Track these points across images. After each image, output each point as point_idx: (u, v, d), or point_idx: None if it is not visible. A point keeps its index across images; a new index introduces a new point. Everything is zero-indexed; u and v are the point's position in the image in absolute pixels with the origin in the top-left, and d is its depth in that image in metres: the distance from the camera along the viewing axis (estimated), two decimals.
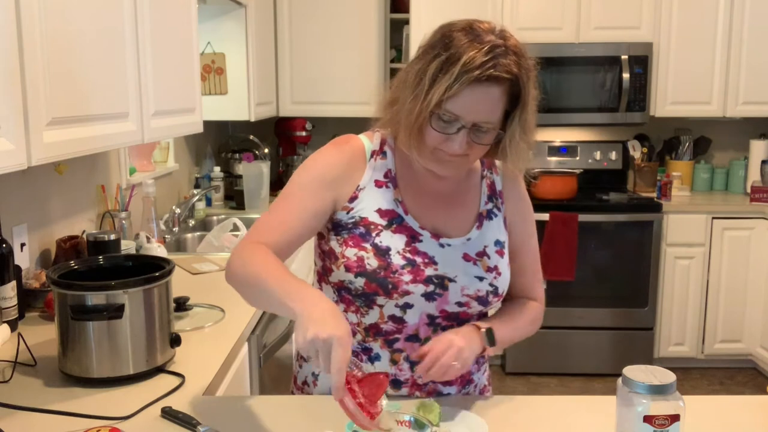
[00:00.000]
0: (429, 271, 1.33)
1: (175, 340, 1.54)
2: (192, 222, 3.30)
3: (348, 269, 1.32)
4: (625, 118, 4.05)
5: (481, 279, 1.36)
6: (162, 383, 1.45)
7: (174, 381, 1.46)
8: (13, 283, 1.77)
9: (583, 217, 3.83)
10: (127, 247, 2.28)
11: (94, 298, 1.42)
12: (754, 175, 4.17)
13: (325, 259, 1.38)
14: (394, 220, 1.35)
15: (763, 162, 4.13)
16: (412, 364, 1.36)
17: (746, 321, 3.99)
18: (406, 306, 1.33)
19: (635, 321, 3.98)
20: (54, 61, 1.44)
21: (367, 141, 1.41)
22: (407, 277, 1.31)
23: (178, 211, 3.09)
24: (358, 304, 1.35)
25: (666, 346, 4.04)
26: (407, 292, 1.32)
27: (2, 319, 1.73)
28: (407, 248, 1.33)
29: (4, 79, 1.28)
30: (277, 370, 2.32)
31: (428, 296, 1.33)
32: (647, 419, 1.03)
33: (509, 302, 1.47)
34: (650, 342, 4.00)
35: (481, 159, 1.41)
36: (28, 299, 1.92)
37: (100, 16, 1.69)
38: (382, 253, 1.32)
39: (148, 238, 2.39)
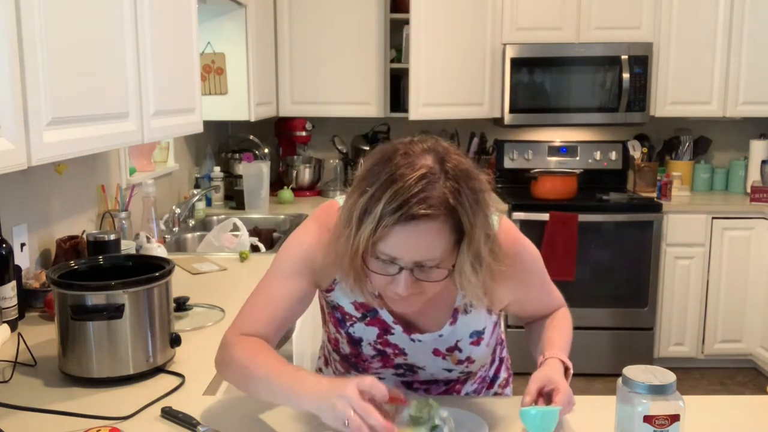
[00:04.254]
0: (398, 360, 1.37)
1: (175, 340, 1.54)
2: (192, 222, 3.30)
3: (329, 340, 1.41)
4: (625, 118, 4.05)
5: (450, 370, 1.38)
6: (162, 383, 1.45)
7: (174, 381, 1.46)
8: (13, 283, 1.77)
9: (583, 217, 3.83)
10: (127, 247, 2.28)
11: (94, 298, 1.42)
12: (754, 175, 4.17)
13: (321, 310, 1.45)
14: (369, 313, 1.33)
15: (763, 162, 4.13)
16: None
17: (746, 321, 3.99)
18: (380, 378, 1.35)
19: (635, 321, 3.98)
20: (54, 61, 1.44)
21: None
22: (377, 365, 1.37)
23: (178, 211, 3.09)
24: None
25: (666, 346, 4.04)
26: (378, 373, 1.38)
27: (2, 319, 1.73)
28: (379, 340, 1.35)
29: (4, 79, 1.28)
30: None
31: (399, 375, 1.39)
32: (647, 419, 1.03)
33: (549, 321, 1.43)
34: (650, 342, 4.00)
35: None
36: (28, 299, 1.92)
37: (100, 16, 1.69)
38: (355, 342, 1.36)
39: (148, 238, 2.39)
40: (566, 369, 1.30)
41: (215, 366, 1.32)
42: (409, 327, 1.34)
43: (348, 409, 1.02)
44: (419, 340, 1.34)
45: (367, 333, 1.34)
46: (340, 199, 1.31)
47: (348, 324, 1.35)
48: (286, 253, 1.33)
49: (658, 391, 1.03)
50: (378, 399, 1.05)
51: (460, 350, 1.35)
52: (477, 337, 1.35)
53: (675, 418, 1.04)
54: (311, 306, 1.46)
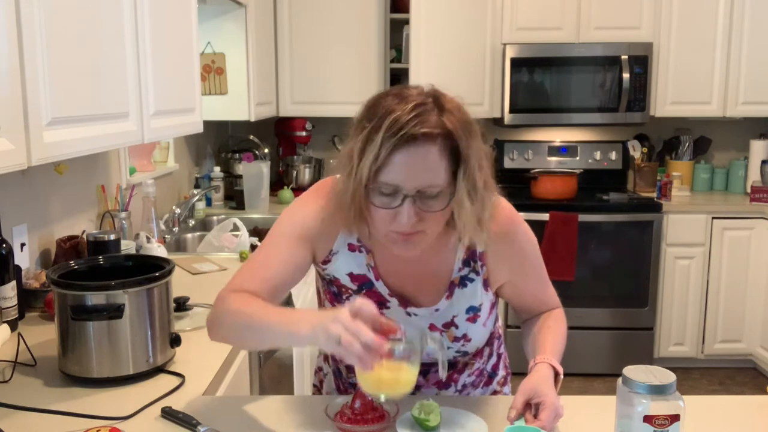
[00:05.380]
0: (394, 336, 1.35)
1: (175, 340, 1.54)
2: (192, 222, 3.30)
3: None
4: (625, 118, 4.05)
5: (446, 349, 1.36)
6: (162, 383, 1.45)
7: (174, 381, 1.46)
8: (13, 283, 1.77)
9: (583, 217, 3.83)
10: (127, 247, 2.28)
11: (94, 298, 1.42)
12: (754, 175, 4.17)
13: (317, 295, 1.44)
14: (364, 285, 1.35)
15: (763, 162, 4.13)
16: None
17: (746, 321, 3.99)
18: None
19: (635, 321, 3.98)
20: (54, 61, 1.44)
21: None
22: None
23: (178, 211, 3.08)
24: None
25: (666, 346, 4.04)
26: None
27: (2, 319, 1.73)
28: None
29: (4, 79, 1.28)
30: (277, 370, 2.32)
31: None
32: (647, 419, 1.03)
33: (543, 321, 1.42)
34: (650, 342, 4.00)
35: None
36: (28, 299, 1.92)
37: (100, 16, 1.69)
38: None
39: (148, 238, 2.38)
40: (557, 373, 1.29)
41: (207, 326, 1.31)
42: (405, 301, 1.34)
43: (340, 329, 1.04)
44: (415, 314, 1.34)
45: None
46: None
47: (344, 297, 1.36)
48: (284, 221, 1.35)
49: (658, 391, 1.03)
50: (368, 318, 1.07)
51: (456, 326, 1.35)
52: (473, 313, 1.35)
53: (675, 418, 1.04)
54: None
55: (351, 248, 1.34)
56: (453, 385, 1.44)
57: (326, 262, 1.35)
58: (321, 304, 1.42)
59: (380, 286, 1.34)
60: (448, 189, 1.17)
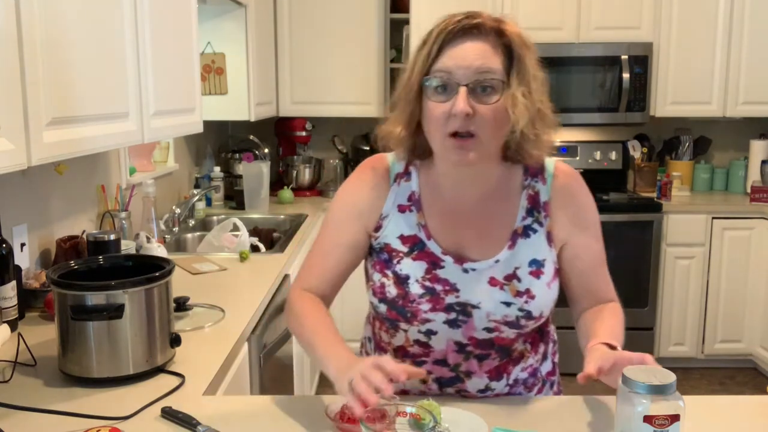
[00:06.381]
0: (450, 299, 1.30)
1: (175, 340, 1.54)
2: (192, 222, 3.30)
3: (374, 293, 1.36)
4: (625, 118, 4.05)
5: (508, 305, 1.29)
6: (162, 383, 1.45)
7: (174, 381, 1.46)
8: (13, 283, 1.77)
9: None
10: (127, 247, 2.28)
11: (94, 298, 1.42)
12: (754, 175, 4.17)
13: (365, 276, 1.43)
14: (415, 246, 1.32)
15: (763, 162, 4.13)
16: (441, 385, 1.37)
17: (746, 321, 3.99)
18: (430, 332, 1.33)
19: (635, 321, 3.98)
20: (54, 61, 1.44)
21: (394, 161, 1.38)
22: (426, 306, 1.30)
23: (178, 211, 3.09)
24: (386, 325, 1.39)
25: (666, 346, 4.04)
26: (427, 320, 1.31)
27: (2, 319, 1.73)
28: (427, 276, 1.31)
29: (4, 79, 1.28)
30: (277, 370, 2.32)
31: (451, 323, 1.31)
32: (647, 419, 1.03)
33: (597, 313, 1.34)
34: (650, 342, 4.00)
35: (525, 166, 1.34)
36: (28, 299, 1.92)
37: (101, 16, 1.69)
38: (401, 281, 1.31)
39: (148, 238, 2.39)
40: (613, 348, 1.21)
41: (286, 313, 1.41)
42: (461, 258, 1.31)
43: (356, 374, 1.09)
44: (473, 269, 1.30)
45: (415, 269, 1.31)
46: (389, 155, 1.39)
47: (395, 261, 1.32)
48: (333, 206, 1.41)
49: (658, 391, 1.03)
50: (389, 372, 1.09)
51: (519, 279, 1.29)
52: (537, 267, 1.30)
53: (675, 418, 1.03)
54: None
55: (401, 209, 1.34)
56: (505, 378, 1.37)
57: (378, 228, 1.35)
58: (369, 279, 1.38)
59: (432, 246, 1.31)
60: (502, 85, 1.21)
